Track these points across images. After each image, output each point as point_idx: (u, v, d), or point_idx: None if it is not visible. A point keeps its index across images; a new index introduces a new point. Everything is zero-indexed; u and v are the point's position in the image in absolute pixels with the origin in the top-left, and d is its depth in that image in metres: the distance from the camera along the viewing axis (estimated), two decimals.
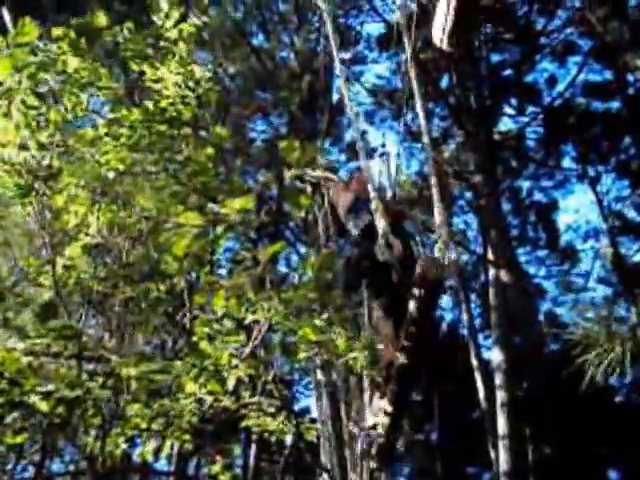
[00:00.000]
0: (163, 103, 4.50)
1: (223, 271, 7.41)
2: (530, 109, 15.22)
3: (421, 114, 4.64)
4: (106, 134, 4.36)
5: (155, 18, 4.50)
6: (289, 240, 15.09)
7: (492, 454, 11.49)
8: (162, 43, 4.50)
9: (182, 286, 5.56)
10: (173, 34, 4.50)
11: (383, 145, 5.46)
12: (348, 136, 15.97)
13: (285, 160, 4.61)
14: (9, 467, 10.21)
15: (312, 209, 11.14)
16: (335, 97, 14.71)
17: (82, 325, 4.69)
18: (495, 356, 11.77)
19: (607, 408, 14.66)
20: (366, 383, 4.83)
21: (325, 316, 4.41)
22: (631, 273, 12.92)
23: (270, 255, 4.39)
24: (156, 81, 4.52)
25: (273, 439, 5.94)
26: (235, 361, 4.36)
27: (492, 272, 12.43)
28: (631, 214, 15.61)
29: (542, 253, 17.42)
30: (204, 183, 4.51)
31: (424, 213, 11.70)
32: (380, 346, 4.40)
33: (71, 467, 12.62)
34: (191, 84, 4.56)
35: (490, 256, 12.70)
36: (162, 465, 12.25)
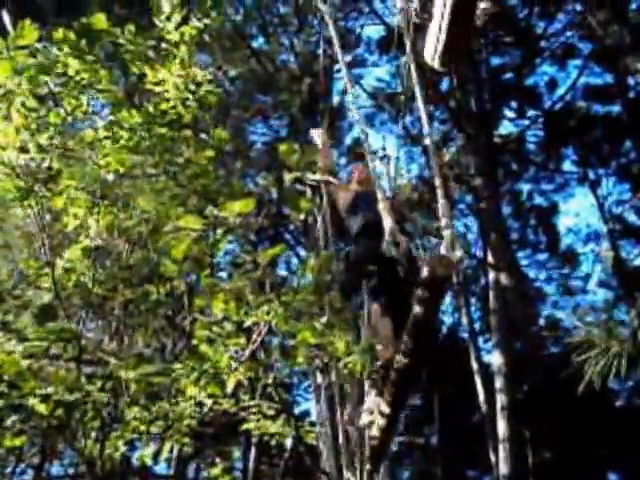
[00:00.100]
0: (163, 105, 4.50)
1: (223, 274, 7.41)
2: (530, 112, 15.26)
3: (424, 116, 4.64)
4: (106, 136, 4.36)
5: (157, 21, 4.50)
6: (289, 243, 15.11)
7: (492, 457, 11.48)
8: (163, 45, 4.49)
9: (182, 289, 5.56)
10: (175, 37, 4.50)
11: (383, 148, 5.47)
12: (348, 139, 16.01)
13: (285, 163, 4.61)
14: (8, 470, 10.21)
15: (312, 212, 11.15)
16: (335, 100, 14.75)
17: (81, 328, 4.68)
18: (495, 359, 11.76)
19: (607, 411, 14.63)
20: (363, 384, 4.82)
21: (324, 319, 4.41)
22: (631, 277, 12.91)
23: (270, 258, 4.38)
24: (157, 83, 4.52)
25: (273, 442, 5.93)
26: (235, 364, 4.35)
27: (492, 275, 12.42)
28: (631, 217, 15.64)
29: (542, 256, 17.44)
30: (204, 185, 4.51)
31: (424, 217, 11.70)
32: (379, 347, 4.38)
33: (70, 470, 12.62)
34: (192, 86, 4.56)
35: (490, 259, 12.69)
36: (161, 468, 12.26)
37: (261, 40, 15.36)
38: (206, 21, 4.58)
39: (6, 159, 4.25)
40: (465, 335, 15.10)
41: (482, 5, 3.84)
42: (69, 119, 4.40)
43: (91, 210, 4.51)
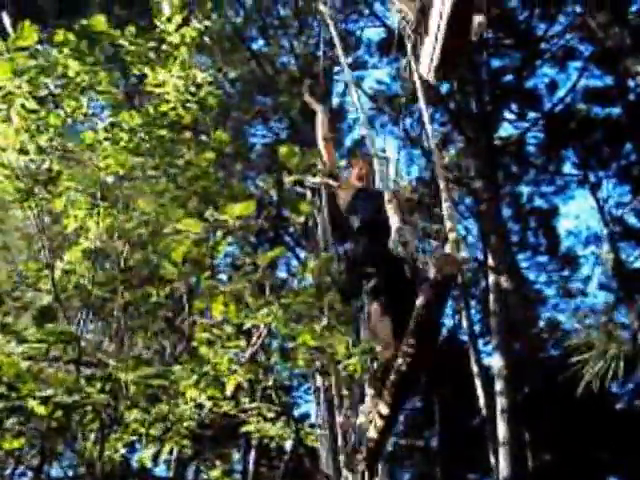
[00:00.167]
0: (163, 107, 4.50)
1: (223, 276, 7.41)
2: (531, 114, 15.28)
3: (426, 118, 4.64)
4: (106, 138, 4.36)
5: (157, 22, 4.50)
6: (289, 245, 15.10)
7: (492, 460, 11.47)
8: (164, 47, 4.49)
9: (182, 291, 5.55)
10: (175, 38, 4.49)
11: (383, 150, 5.46)
12: (348, 141, 16.01)
13: (285, 165, 4.60)
14: (8, 472, 10.20)
15: (312, 214, 11.13)
16: (335, 102, 14.75)
17: (81, 330, 4.67)
18: (495, 362, 11.75)
19: (608, 414, 14.63)
20: (363, 386, 4.80)
21: (325, 321, 4.40)
22: (632, 279, 12.90)
23: (269, 260, 4.36)
24: (157, 85, 4.51)
25: (273, 444, 5.93)
26: (234, 366, 4.34)
27: (492, 278, 12.42)
28: (632, 220, 15.66)
29: (542, 259, 17.46)
30: (204, 188, 4.50)
31: (424, 220, 11.68)
32: (378, 348, 4.37)
33: (70, 472, 12.59)
34: (192, 88, 4.56)
35: (490, 262, 12.69)
36: (161, 470, 12.26)
37: (261, 42, 15.40)
38: (207, 23, 4.57)
39: (6, 161, 4.24)
40: (465, 338, 15.10)
41: (478, 20, 3.84)
42: (69, 121, 4.39)
43: (91, 212, 4.50)
